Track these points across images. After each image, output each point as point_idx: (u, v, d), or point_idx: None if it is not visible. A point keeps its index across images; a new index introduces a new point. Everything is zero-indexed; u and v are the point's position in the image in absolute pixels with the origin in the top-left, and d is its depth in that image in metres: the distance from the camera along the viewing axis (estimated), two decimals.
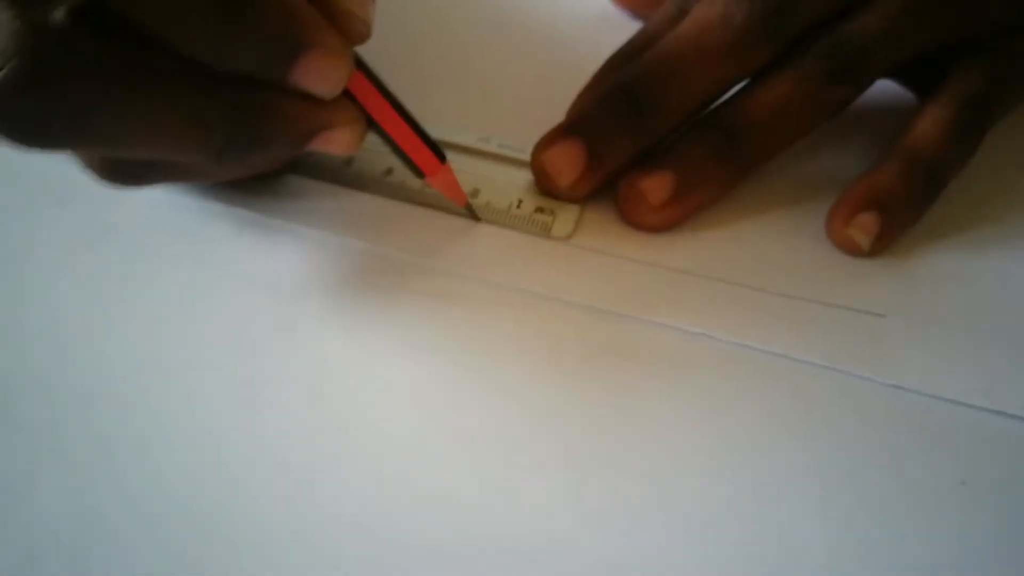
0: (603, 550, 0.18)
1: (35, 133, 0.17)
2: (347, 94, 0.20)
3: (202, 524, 0.18)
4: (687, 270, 0.23)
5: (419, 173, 0.23)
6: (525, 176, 0.25)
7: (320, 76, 0.19)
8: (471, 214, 0.24)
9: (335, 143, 0.20)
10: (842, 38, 0.24)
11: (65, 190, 0.25)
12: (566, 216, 0.25)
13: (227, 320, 0.22)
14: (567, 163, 0.24)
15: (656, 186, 0.24)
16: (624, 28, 0.29)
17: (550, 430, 0.20)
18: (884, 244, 0.24)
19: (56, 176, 0.25)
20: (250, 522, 0.18)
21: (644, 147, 0.24)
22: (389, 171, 0.25)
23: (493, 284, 0.23)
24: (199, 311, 0.22)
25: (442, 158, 0.23)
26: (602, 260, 0.24)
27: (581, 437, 0.20)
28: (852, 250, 0.24)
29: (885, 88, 0.28)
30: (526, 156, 0.25)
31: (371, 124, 0.21)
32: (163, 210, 0.24)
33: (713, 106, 0.25)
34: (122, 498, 0.18)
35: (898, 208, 0.24)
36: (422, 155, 0.22)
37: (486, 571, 0.17)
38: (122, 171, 0.20)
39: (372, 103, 0.21)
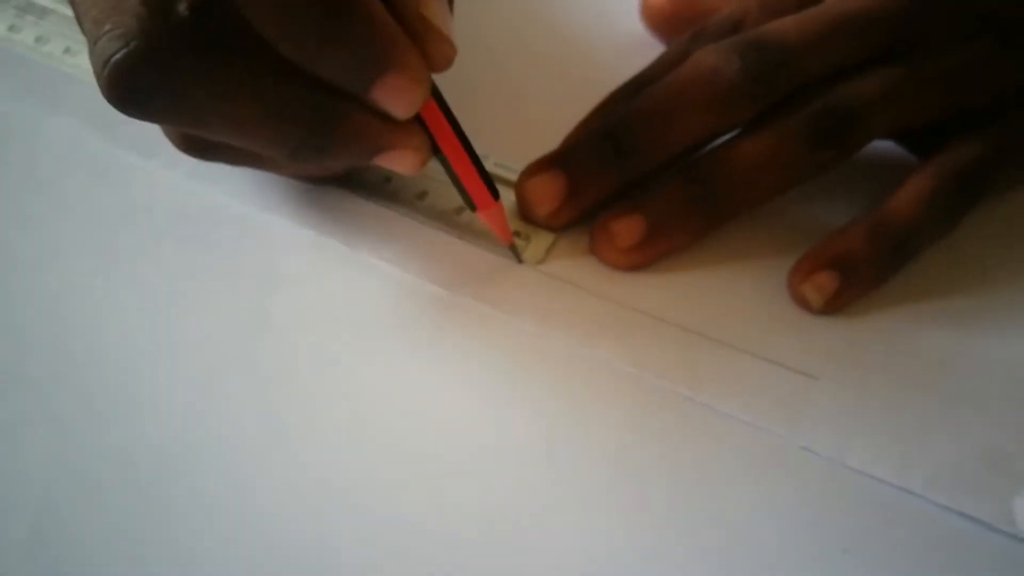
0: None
1: (137, 105, 0.20)
2: (418, 118, 0.22)
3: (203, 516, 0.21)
4: (642, 309, 0.25)
5: (472, 205, 0.24)
6: (512, 198, 0.27)
7: (398, 97, 0.20)
8: (514, 254, 0.26)
9: (399, 163, 0.22)
10: (833, 102, 0.24)
11: (108, 167, 0.28)
12: (540, 242, 0.26)
13: (259, 329, 0.24)
14: (547, 194, 0.26)
15: (626, 229, 0.25)
16: (652, 53, 0.30)
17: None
18: (839, 305, 0.25)
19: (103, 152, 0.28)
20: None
21: (623, 187, 0.26)
22: (423, 194, 0.27)
23: (456, 295, 0.25)
24: (212, 306, 0.25)
25: (495, 195, 0.24)
26: (562, 289, 0.25)
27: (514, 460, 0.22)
28: (805, 307, 0.25)
29: (886, 146, 0.28)
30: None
31: (435, 151, 0.23)
32: (194, 208, 0.27)
33: (696, 154, 0.26)
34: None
35: (859, 272, 0.24)
36: (478, 189, 0.24)
37: None
38: (199, 146, 0.23)
39: (440, 131, 0.22)
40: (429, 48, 0.21)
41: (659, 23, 0.33)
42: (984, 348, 0.24)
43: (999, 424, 0.22)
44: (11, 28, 0.32)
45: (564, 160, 0.26)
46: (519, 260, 0.26)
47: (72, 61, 0.31)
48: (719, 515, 0.21)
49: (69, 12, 0.29)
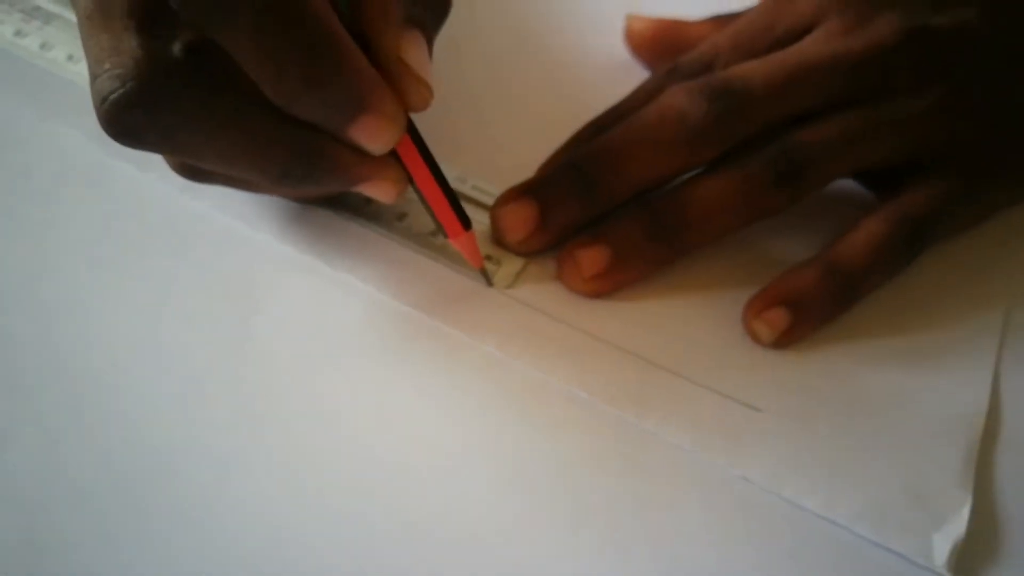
0: None
1: (132, 138, 0.21)
2: (394, 152, 0.23)
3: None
4: (601, 336, 0.26)
5: (444, 233, 0.26)
6: (487, 222, 0.28)
7: (372, 136, 0.22)
8: (485, 278, 0.27)
9: (377, 192, 0.24)
10: (791, 145, 0.26)
11: (103, 176, 0.29)
12: (510, 267, 0.28)
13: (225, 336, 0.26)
14: (518, 222, 0.27)
15: (590, 259, 0.26)
16: (634, 78, 0.32)
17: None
18: (789, 341, 0.26)
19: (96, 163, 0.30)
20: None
21: (591, 218, 0.27)
22: (403, 216, 0.29)
23: (427, 316, 0.27)
24: (196, 317, 0.26)
25: (467, 225, 0.25)
26: (526, 313, 0.27)
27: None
28: (757, 341, 0.26)
29: (845, 182, 0.29)
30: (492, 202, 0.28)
31: (410, 180, 0.24)
32: (185, 223, 0.29)
33: (660, 189, 0.27)
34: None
35: (809, 310, 0.26)
36: (448, 219, 0.25)
37: None
38: (194, 172, 0.24)
39: (414, 165, 0.24)
40: (406, 90, 0.22)
41: (642, 48, 0.34)
42: (920, 387, 0.26)
43: (927, 461, 0.24)
44: (17, 33, 0.33)
45: (536, 190, 0.27)
46: (489, 283, 0.27)
47: (74, 68, 0.32)
48: (658, 539, 0.22)
49: (73, 17, 0.30)
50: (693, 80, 0.26)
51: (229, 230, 0.28)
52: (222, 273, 0.27)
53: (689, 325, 0.27)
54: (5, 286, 0.26)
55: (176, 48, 0.20)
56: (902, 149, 0.27)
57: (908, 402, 0.25)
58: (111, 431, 0.23)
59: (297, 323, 0.26)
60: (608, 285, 0.27)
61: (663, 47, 0.33)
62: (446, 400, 0.25)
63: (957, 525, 0.23)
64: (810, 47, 0.27)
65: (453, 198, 0.25)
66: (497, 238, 0.28)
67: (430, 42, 0.23)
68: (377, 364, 0.25)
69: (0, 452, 0.22)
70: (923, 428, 0.25)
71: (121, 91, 0.20)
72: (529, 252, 0.28)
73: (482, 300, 0.27)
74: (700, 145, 0.26)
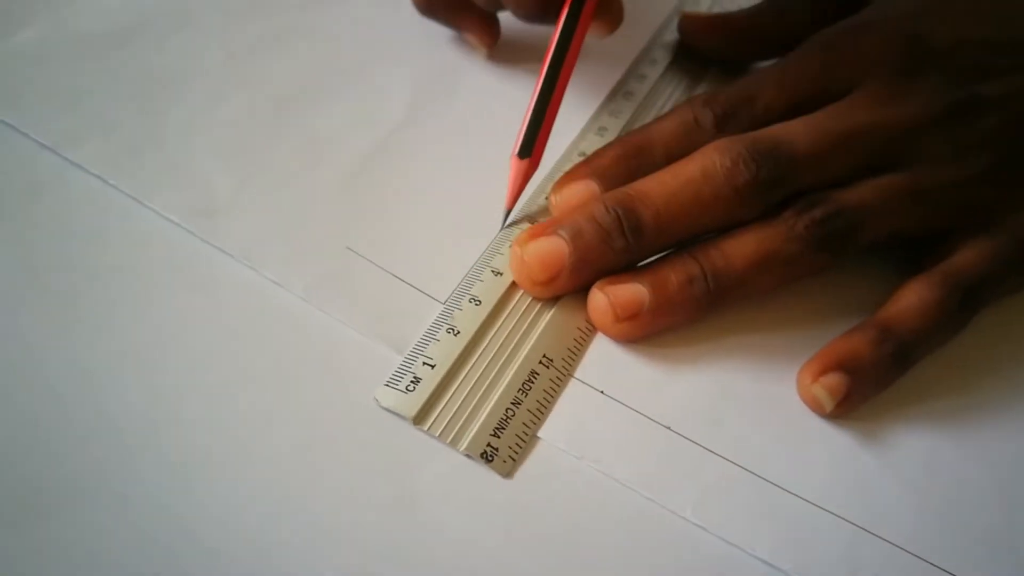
0: None
1: None
2: None
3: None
4: (617, 396, 0.24)
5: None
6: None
7: None
8: (504, 218, 0.26)
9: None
10: (834, 209, 0.25)
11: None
12: None
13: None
14: (549, 261, 0.24)
15: (628, 299, 0.24)
16: None
17: None
18: (847, 410, 0.24)
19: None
20: None
21: (624, 266, 0.25)
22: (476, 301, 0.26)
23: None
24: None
25: (525, 153, 0.25)
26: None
27: None
28: (816, 408, 0.24)
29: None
30: None
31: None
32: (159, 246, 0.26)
33: (701, 241, 0.25)
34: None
35: (866, 376, 0.24)
36: (523, 132, 0.25)
37: None
38: None
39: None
40: None
41: (696, 36, 0.34)
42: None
43: None
44: None
45: (570, 231, 0.25)
46: (503, 225, 0.26)
47: None
48: None
49: None
50: (738, 137, 0.25)
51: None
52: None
53: (723, 394, 0.24)
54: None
55: None
56: (944, 215, 0.26)
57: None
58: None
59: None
60: (640, 330, 0.25)
61: (724, 38, 0.34)
62: None
63: None
64: (855, 112, 0.26)
65: (540, 116, 0.25)
66: (518, 276, 0.25)
67: None
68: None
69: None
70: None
71: None
72: (551, 295, 0.25)
73: None
74: (743, 205, 0.25)
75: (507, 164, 0.26)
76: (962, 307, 0.25)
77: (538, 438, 0.23)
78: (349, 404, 0.22)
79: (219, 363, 0.23)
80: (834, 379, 0.24)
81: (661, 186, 0.25)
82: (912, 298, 0.25)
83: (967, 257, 0.26)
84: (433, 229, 0.27)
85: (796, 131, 0.25)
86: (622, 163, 0.27)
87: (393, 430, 0.22)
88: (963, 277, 0.25)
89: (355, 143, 0.28)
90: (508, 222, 0.27)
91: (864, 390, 0.24)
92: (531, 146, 0.24)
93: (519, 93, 0.31)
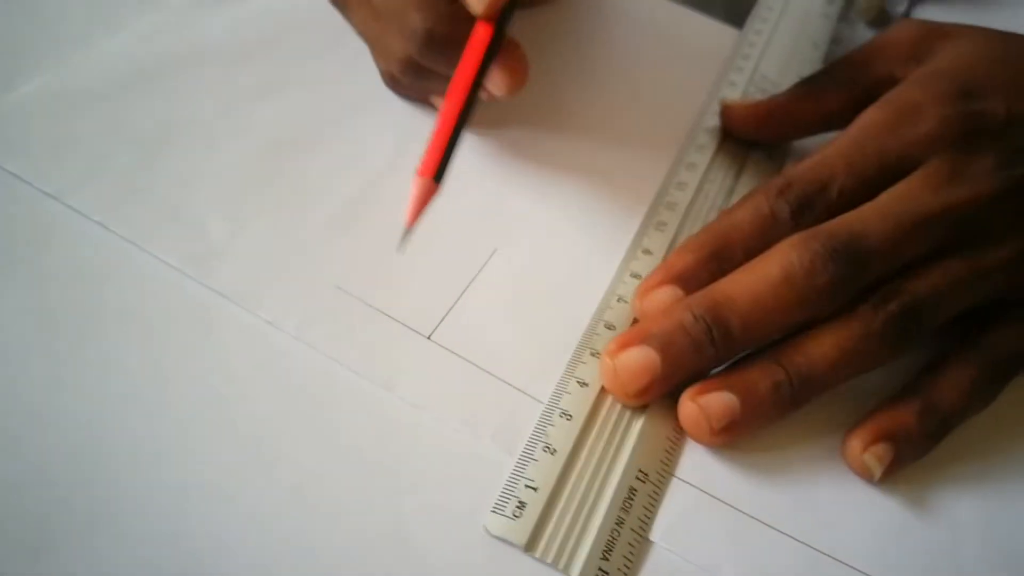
0: None
1: None
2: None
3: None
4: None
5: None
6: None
7: None
8: (403, 239, 0.25)
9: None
10: (910, 302, 0.26)
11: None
12: None
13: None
14: (641, 371, 0.25)
15: (720, 409, 0.25)
16: None
17: None
18: (891, 474, 0.26)
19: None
20: None
21: (711, 369, 0.26)
22: None
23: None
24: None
25: (437, 178, 0.24)
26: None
27: None
28: (865, 475, 0.26)
29: None
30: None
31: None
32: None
33: (783, 343, 0.26)
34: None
35: (908, 445, 0.26)
36: (431, 154, 0.24)
37: None
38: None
39: (465, 60, 0.26)
40: None
41: (745, 127, 0.35)
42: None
43: None
44: None
45: (658, 340, 0.26)
46: (403, 250, 0.25)
47: None
48: None
49: None
50: (814, 233, 0.26)
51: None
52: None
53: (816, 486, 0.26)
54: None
55: None
56: (997, 292, 0.28)
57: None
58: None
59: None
60: (734, 436, 0.26)
61: (767, 126, 0.34)
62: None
63: None
64: (923, 195, 0.27)
65: (453, 140, 0.24)
66: (611, 387, 0.26)
67: None
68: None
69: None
70: None
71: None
72: (642, 403, 0.26)
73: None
74: (823, 305, 0.26)
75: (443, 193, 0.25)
76: (997, 383, 0.28)
77: (650, 541, 0.24)
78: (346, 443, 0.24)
79: (217, 400, 0.24)
80: (882, 448, 0.26)
81: (745, 291, 0.26)
82: (956, 372, 0.27)
83: (1008, 332, 0.28)
84: (415, 265, 0.28)
85: (869, 221, 0.26)
86: (703, 266, 0.27)
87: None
88: (1003, 352, 0.27)
89: (342, 188, 0.30)
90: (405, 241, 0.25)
91: (906, 459, 0.26)
92: (443, 172, 0.24)
93: (487, 142, 0.33)
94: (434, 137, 0.24)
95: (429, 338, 0.26)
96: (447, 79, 0.26)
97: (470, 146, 0.32)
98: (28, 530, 0.21)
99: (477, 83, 0.25)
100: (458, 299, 0.27)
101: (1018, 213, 0.27)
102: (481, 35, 0.26)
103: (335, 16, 0.34)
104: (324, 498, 0.23)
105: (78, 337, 0.24)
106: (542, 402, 0.26)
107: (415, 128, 0.32)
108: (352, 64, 0.34)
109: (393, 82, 0.33)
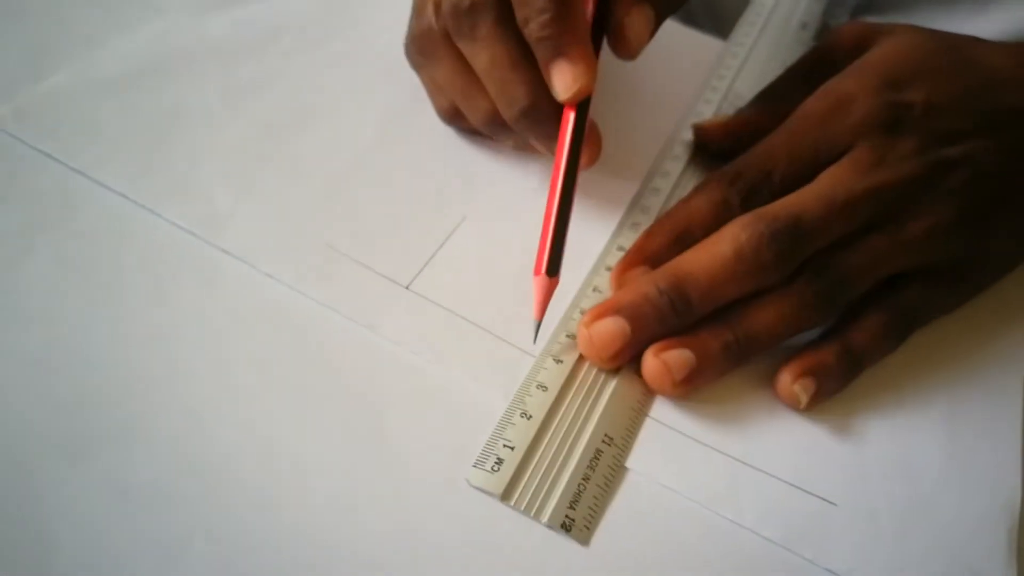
0: None
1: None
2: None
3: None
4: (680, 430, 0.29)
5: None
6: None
7: (563, 77, 0.29)
8: (536, 331, 0.29)
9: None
10: (838, 276, 0.30)
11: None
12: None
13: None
14: (613, 339, 0.29)
15: (679, 365, 0.29)
16: None
17: None
18: (814, 405, 0.30)
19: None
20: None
21: (673, 334, 0.29)
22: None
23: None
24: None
25: (553, 271, 0.28)
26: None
27: None
28: (793, 404, 0.30)
29: None
30: None
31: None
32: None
33: (732, 310, 0.30)
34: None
35: (829, 380, 0.30)
36: (543, 251, 0.28)
37: None
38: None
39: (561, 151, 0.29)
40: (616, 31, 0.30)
41: (713, 141, 0.38)
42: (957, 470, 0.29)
43: (975, 547, 0.27)
44: None
45: (627, 311, 0.29)
46: (534, 340, 0.29)
47: None
48: None
49: None
50: (759, 215, 0.30)
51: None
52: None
53: (756, 416, 0.30)
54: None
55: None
56: (912, 262, 0.31)
57: (949, 488, 0.29)
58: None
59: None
60: (691, 387, 0.29)
61: (736, 140, 0.36)
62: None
63: None
64: (848, 179, 0.31)
65: (560, 235, 0.28)
66: (587, 353, 0.29)
67: (658, 21, 0.31)
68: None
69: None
70: (967, 513, 0.28)
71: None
72: (615, 366, 0.29)
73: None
74: (767, 277, 0.30)
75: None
76: (903, 329, 0.31)
77: (626, 468, 0.27)
78: (339, 383, 0.28)
79: (224, 342, 0.28)
80: (808, 381, 0.29)
81: (702, 267, 0.29)
82: (869, 320, 0.31)
83: (909, 290, 0.31)
84: (396, 221, 0.32)
85: (806, 204, 0.30)
86: (672, 248, 0.31)
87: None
88: (907, 306, 0.31)
89: (331, 163, 0.34)
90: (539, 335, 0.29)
91: (827, 391, 0.30)
92: (558, 266, 0.28)
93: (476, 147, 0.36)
94: (544, 234, 0.28)
95: (407, 287, 0.30)
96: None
97: (457, 144, 0.36)
98: (67, 440, 0.25)
99: (573, 176, 0.28)
100: (432, 256, 0.31)
101: (933, 192, 0.31)
102: (570, 123, 0.29)
103: (323, 19, 0.39)
104: (317, 420, 0.27)
105: (106, 291, 0.28)
106: (510, 342, 0.30)
107: (395, 112, 0.36)
108: (340, 56, 0.38)
109: (457, 121, 0.35)
